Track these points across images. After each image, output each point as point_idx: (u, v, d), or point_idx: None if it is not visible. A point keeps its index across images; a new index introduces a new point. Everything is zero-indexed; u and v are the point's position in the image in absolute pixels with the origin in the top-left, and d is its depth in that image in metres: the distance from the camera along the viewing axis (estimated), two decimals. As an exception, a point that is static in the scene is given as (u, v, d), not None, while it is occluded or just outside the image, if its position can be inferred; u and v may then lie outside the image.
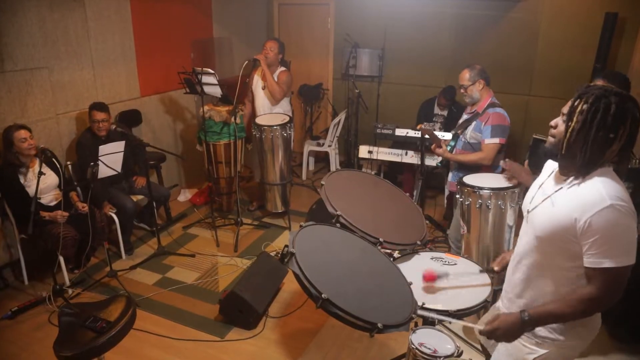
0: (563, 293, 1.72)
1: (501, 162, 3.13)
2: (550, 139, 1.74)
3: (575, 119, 1.60)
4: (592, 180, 1.61)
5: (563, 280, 1.72)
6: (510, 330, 1.74)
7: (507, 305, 1.96)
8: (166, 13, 5.26)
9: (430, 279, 2.44)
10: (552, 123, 1.73)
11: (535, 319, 1.69)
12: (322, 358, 3.19)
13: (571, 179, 1.68)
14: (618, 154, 1.61)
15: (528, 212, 1.85)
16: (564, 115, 1.67)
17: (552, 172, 1.82)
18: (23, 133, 3.59)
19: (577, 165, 1.63)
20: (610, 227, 1.55)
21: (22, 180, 3.66)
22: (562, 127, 1.67)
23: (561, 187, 1.70)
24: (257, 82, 4.95)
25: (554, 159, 1.81)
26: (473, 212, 3.15)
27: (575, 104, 1.61)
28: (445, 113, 5.31)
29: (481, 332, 1.82)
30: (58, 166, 3.77)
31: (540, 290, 1.79)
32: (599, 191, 1.57)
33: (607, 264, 1.56)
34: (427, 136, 3.95)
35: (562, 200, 1.67)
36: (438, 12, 5.76)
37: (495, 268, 2.22)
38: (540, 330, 1.79)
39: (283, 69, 4.94)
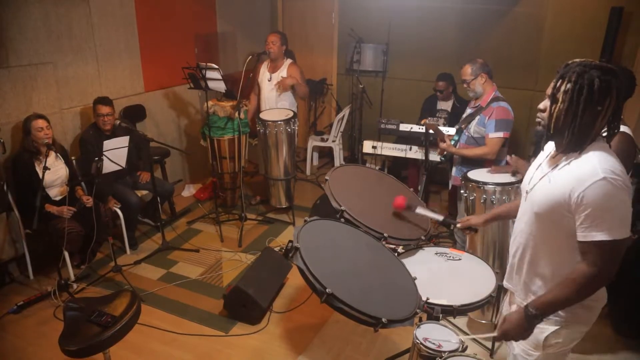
0: (563, 270, 1.73)
1: (507, 157, 3.14)
2: (542, 122, 1.75)
3: (561, 98, 1.63)
4: (587, 155, 1.64)
5: (562, 257, 1.74)
6: (520, 328, 1.76)
7: (514, 287, 1.98)
8: (170, 8, 5.25)
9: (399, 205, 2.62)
10: (541, 106, 1.74)
11: (541, 310, 1.71)
12: (326, 353, 3.20)
13: (567, 155, 1.70)
14: (607, 125, 1.65)
15: (527, 192, 1.86)
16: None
17: (550, 152, 1.83)
18: (40, 122, 3.66)
19: (570, 141, 1.65)
20: (603, 200, 1.56)
21: (37, 168, 3.70)
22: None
23: (557, 165, 1.72)
24: (263, 75, 4.94)
25: (548, 140, 1.82)
26: (478, 207, 3.14)
27: (558, 84, 1.65)
28: (448, 108, 5.27)
29: (496, 339, 1.84)
30: (69, 160, 3.82)
31: (542, 269, 1.80)
32: (592, 165, 1.59)
33: (599, 237, 1.58)
34: (431, 131, 3.94)
35: (558, 176, 1.69)
36: (443, 7, 5.73)
37: (459, 225, 2.42)
38: None
39: (290, 61, 4.94)
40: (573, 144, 1.65)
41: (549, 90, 1.69)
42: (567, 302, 1.71)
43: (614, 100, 1.59)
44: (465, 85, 3.58)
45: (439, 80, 5.13)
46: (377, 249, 2.47)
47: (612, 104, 1.59)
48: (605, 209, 1.56)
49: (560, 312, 1.77)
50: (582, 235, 1.61)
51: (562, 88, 1.62)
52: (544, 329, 1.81)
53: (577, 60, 1.64)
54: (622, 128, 2.63)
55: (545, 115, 1.71)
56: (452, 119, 5.08)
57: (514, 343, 1.95)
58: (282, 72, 4.87)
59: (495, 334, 1.86)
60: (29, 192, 3.61)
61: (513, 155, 3.10)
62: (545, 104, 1.72)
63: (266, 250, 3.91)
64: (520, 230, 1.89)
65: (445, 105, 5.29)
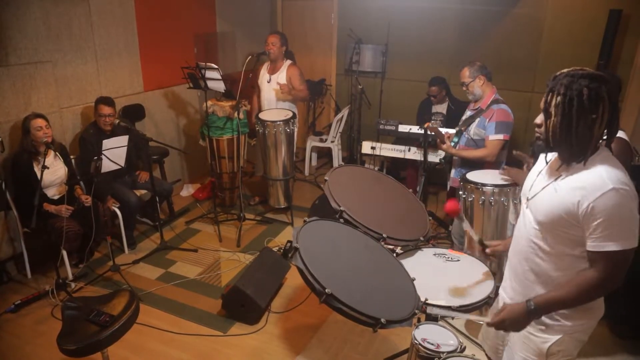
0: (565, 277, 1.73)
1: (499, 171, 3.16)
2: (540, 136, 1.74)
3: (553, 112, 1.63)
4: (594, 166, 1.63)
5: (564, 264, 1.73)
6: (518, 319, 1.75)
7: (510, 295, 1.96)
8: (169, 7, 5.25)
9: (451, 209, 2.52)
10: (538, 121, 1.73)
11: (541, 307, 1.71)
12: (324, 353, 3.20)
13: (572, 165, 1.69)
14: (606, 129, 1.64)
15: (528, 199, 1.85)
16: None
17: (551, 160, 1.83)
18: (39, 122, 3.67)
19: (571, 152, 1.66)
20: (613, 210, 1.56)
21: (36, 168, 3.70)
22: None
23: (562, 175, 1.72)
24: (263, 76, 4.95)
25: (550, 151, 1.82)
26: (476, 209, 3.15)
27: (548, 99, 1.65)
28: (444, 110, 5.28)
29: (489, 324, 1.82)
30: (68, 159, 3.82)
31: (543, 277, 1.80)
32: (600, 176, 1.60)
33: (610, 247, 1.58)
34: (432, 133, 3.94)
35: (565, 185, 1.68)
36: (442, 8, 5.74)
37: (487, 250, 2.25)
38: (547, 319, 1.80)
39: (289, 62, 4.94)
40: (575, 154, 1.66)
41: (541, 105, 1.69)
42: (567, 304, 1.71)
43: (608, 105, 1.58)
44: (464, 88, 3.59)
45: (432, 85, 5.15)
46: (376, 250, 2.48)
47: (606, 110, 1.58)
48: (616, 219, 1.57)
49: (563, 320, 1.77)
50: (593, 246, 1.61)
51: (553, 102, 1.63)
52: (547, 338, 1.81)
53: (565, 70, 1.63)
54: (618, 133, 2.64)
55: (542, 130, 1.71)
56: (448, 121, 5.10)
57: (516, 350, 1.94)
58: (282, 73, 4.87)
59: (488, 319, 1.84)
60: (27, 191, 3.61)
61: (505, 167, 3.14)
62: (541, 118, 1.72)
63: (265, 250, 3.91)
64: (519, 238, 1.88)
65: (441, 108, 5.30)
